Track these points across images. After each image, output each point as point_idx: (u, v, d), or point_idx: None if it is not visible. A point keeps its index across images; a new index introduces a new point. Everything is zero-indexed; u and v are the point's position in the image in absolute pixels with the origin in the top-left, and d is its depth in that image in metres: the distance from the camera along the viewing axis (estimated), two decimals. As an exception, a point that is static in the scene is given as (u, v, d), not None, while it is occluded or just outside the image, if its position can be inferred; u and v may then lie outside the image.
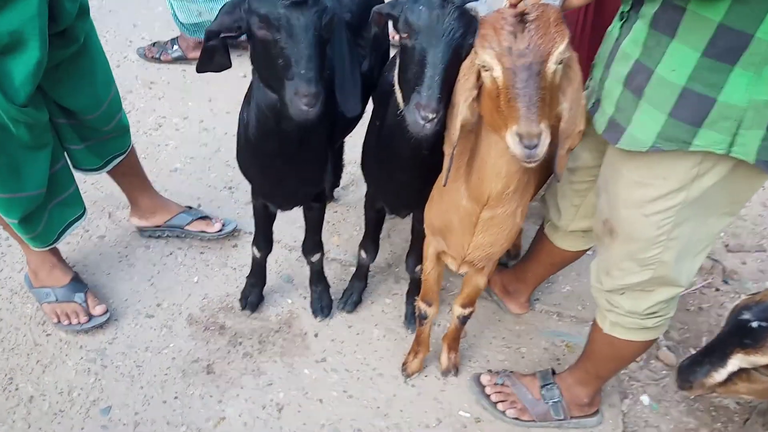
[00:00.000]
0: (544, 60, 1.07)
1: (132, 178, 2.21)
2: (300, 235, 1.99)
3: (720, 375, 1.48)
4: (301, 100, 1.22)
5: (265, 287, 2.14)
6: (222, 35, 1.31)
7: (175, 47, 3.20)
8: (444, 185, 1.35)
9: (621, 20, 1.28)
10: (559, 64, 1.09)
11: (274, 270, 2.21)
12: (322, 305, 2.13)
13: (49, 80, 1.63)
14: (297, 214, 1.91)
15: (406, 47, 1.24)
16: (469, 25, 1.19)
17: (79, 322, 2.02)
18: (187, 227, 2.31)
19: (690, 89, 1.10)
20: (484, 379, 1.94)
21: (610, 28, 1.34)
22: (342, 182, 2.56)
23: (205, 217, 2.33)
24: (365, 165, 1.75)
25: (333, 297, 2.16)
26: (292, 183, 1.67)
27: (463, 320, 1.84)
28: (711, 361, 1.50)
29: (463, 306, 1.80)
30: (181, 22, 3.04)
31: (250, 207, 1.90)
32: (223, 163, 2.70)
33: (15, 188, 1.70)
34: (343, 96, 1.51)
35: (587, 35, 1.89)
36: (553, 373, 1.90)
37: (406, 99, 1.28)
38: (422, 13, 1.20)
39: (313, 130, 1.46)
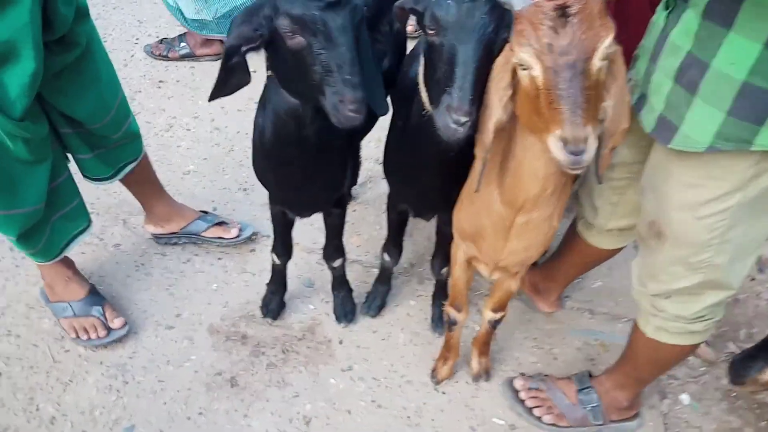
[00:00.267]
0: (589, 57, 0.97)
1: (145, 185, 2.14)
2: (319, 236, 1.92)
3: None
4: (347, 107, 1.13)
5: (286, 293, 2.08)
6: (243, 48, 1.19)
7: (183, 44, 3.11)
8: (476, 191, 1.27)
9: (666, 9, 1.17)
10: (605, 60, 0.99)
11: (293, 274, 2.14)
12: (346, 311, 2.06)
13: (51, 89, 1.54)
14: (315, 215, 1.83)
15: (434, 45, 1.14)
16: (501, 18, 1.09)
17: (99, 337, 1.96)
18: (203, 234, 2.25)
19: (751, 84, 1.01)
20: (518, 383, 1.86)
21: (654, 17, 1.24)
22: (359, 179, 2.47)
23: (221, 223, 2.26)
24: (388, 167, 1.66)
25: (356, 301, 2.09)
26: (311, 189, 1.58)
27: (494, 325, 1.77)
28: (766, 357, 1.44)
29: (494, 310, 1.72)
30: (185, 17, 2.94)
31: (267, 208, 1.83)
32: (237, 163, 2.63)
33: (11, 204, 1.62)
34: (371, 95, 1.42)
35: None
36: (590, 375, 1.82)
37: (434, 100, 1.18)
38: (450, 8, 1.09)
39: (335, 134, 1.37)
